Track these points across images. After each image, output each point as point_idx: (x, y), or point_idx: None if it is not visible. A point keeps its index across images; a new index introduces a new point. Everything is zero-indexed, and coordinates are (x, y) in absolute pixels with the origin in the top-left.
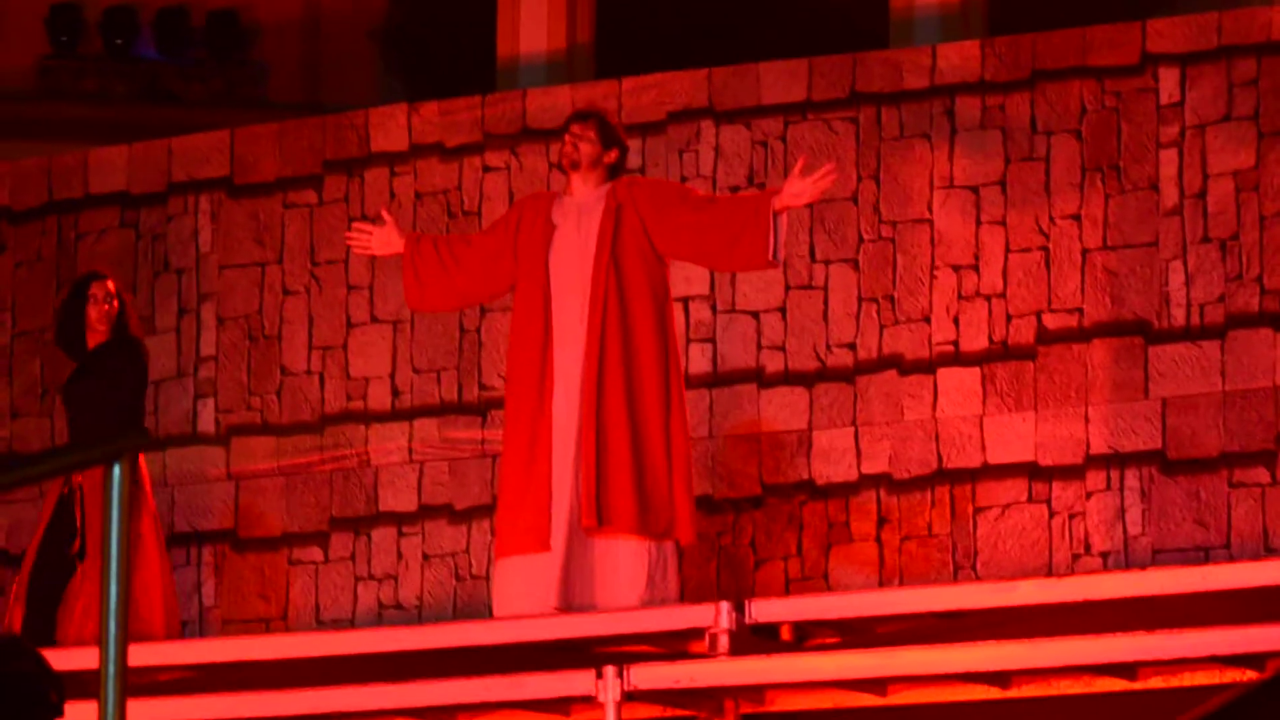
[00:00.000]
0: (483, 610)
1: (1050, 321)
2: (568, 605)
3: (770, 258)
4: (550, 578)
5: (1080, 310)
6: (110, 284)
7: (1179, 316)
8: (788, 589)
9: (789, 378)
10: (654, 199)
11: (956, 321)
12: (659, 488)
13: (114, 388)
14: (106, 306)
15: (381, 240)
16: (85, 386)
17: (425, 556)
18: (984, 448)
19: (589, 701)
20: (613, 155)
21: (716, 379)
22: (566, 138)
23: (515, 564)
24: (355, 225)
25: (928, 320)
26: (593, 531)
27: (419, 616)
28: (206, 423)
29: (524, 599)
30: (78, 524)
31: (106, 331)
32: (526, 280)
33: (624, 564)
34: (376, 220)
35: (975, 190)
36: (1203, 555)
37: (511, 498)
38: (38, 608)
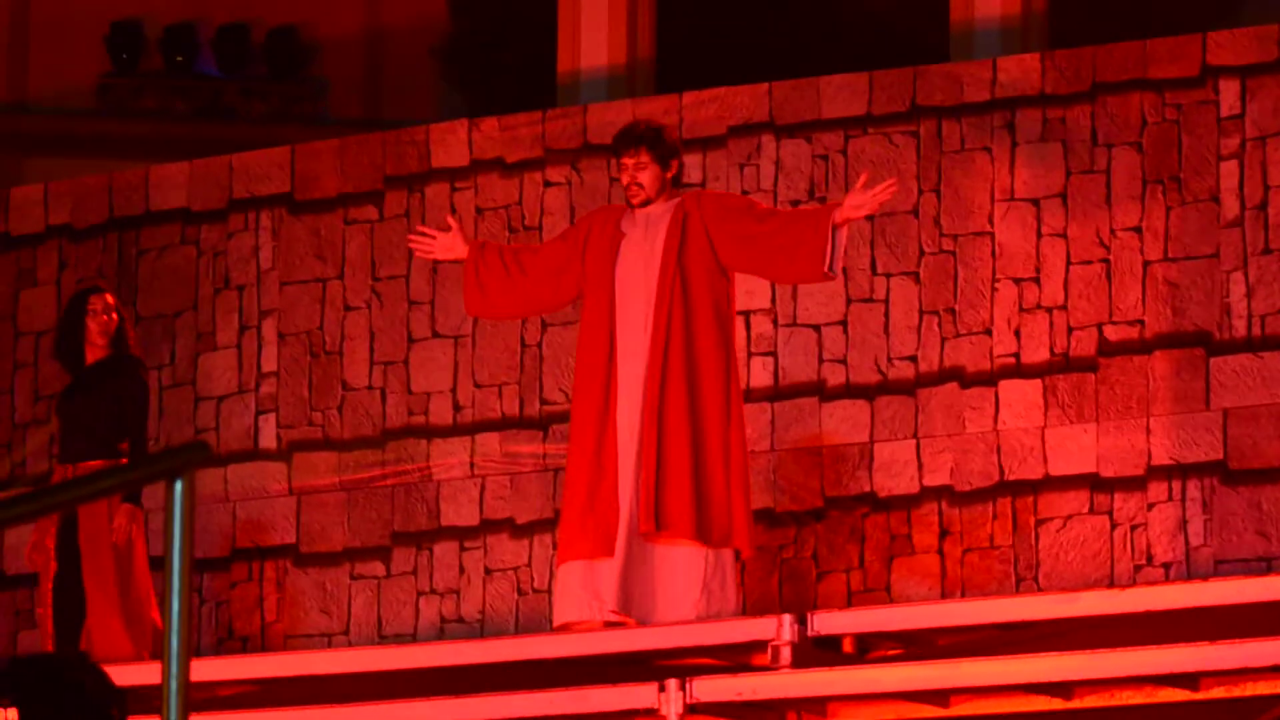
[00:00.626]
0: (545, 624)
1: (1111, 333)
2: (626, 609)
3: (826, 269)
4: (610, 582)
5: (1141, 322)
6: (109, 297)
7: (1240, 328)
8: (850, 601)
9: (850, 390)
10: (719, 210)
11: (1018, 334)
12: (717, 497)
13: (112, 403)
14: (105, 318)
15: (445, 245)
16: (82, 402)
17: (487, 571)
18: (1045, 459)
19: (652, 714)
20: (673, 168)
21: (778, 392)
22: (624, 174)
23: (576, 569)
24: (419, 228)
25: (989, 332)
26: (650, 536)
27: (481, 631)
28: (268, 438)
29: (584, 604)
30: (78, 541)
31: (105, 346)
32: (593, 290)
33: (681, 571)
34: (442, 226)
35: (1036, 203)
36: (1265, 566)
37: (578, 504)
38: (65, 628)
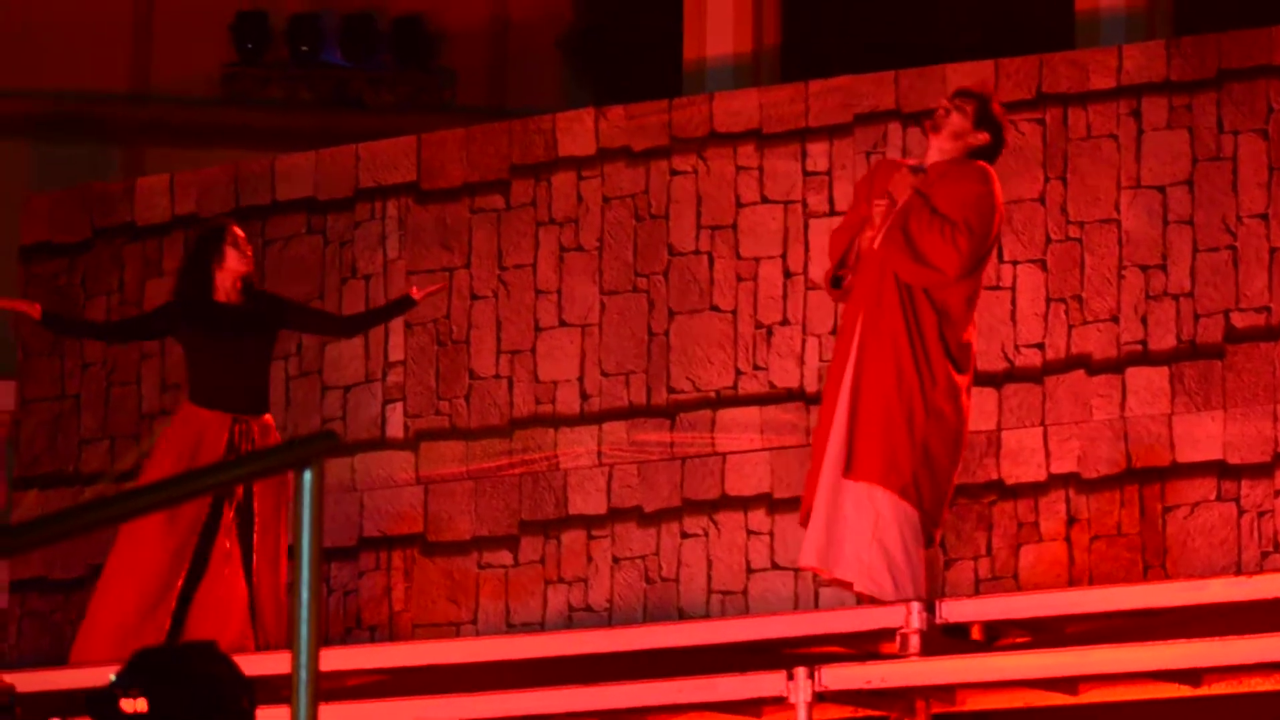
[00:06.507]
0: (673, 612)
1: (1238, 320)
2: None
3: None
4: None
5: (1268, 309)
6: (240, 232)
7: None
8: (978, 589)
9: (977, 378)
10: (938, 189)
11: (1144, 321)
12: (901, 443)
13: (269, 351)
14: (247, 248)
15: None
16: (242, 348)
17: (615, 559)
18: (1172, 446)
19: (780, 703)
20: (982, 138)
21: None
22: (942, 105)
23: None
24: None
25: (1115, 320)
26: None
27: (609, 619)
28: (395, 427)
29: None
30: (232, 522)
31: (238, 282)
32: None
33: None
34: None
35: (1162, 190)
36: None
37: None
38: (181, 608)
